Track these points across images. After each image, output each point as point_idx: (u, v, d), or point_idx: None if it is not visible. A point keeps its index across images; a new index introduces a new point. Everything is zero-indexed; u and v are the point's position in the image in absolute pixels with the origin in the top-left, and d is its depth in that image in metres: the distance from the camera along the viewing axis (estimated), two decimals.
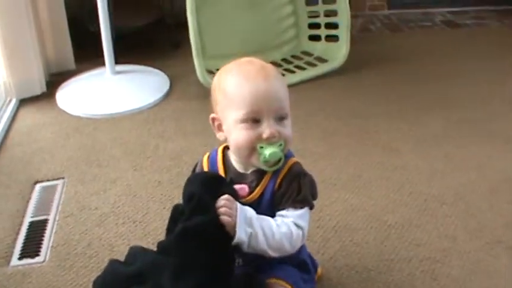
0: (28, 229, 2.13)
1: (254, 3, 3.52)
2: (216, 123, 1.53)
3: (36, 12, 3.16)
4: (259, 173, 1.50)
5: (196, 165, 1.64)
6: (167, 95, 3.15)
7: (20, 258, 1.98)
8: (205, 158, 1.61)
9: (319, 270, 1.81)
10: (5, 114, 2.92)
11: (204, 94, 2.99)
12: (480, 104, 3.05)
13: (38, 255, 1.99)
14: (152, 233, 2.07)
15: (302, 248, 1.68)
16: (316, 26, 3.63)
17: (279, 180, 1.49)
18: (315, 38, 3.65)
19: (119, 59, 3.28)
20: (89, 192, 2.32)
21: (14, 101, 3.04)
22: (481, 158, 2.55)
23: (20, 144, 2.69)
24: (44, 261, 1.97)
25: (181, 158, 2.53)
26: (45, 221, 2.17)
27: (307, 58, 3.57)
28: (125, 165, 2.50)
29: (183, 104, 3.03)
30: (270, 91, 1.43)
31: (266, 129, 1.42)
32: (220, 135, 1.53)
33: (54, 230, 2.11)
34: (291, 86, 3.09)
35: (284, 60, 3.56)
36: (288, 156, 1.52)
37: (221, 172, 1.55)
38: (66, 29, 3.36)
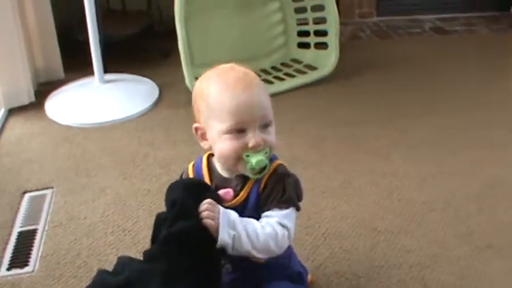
0: (17, 239, 2.12)
1: (243, 11, 3.52)
2: (199, 132, 1.52)
3: (24, 22, 3.16)
4: (244, 177, 1.50)
5: (182, 174, 1.63)
6: (156, 103, 3.14)
7: (8, 269, 1.97)
8: (190, 166, 1.61)
9: (309, 277, 1.80)
10: None
11: None
12: (469, 110, 3.05)
13: (27, 265, 1.98)
14: (142, 242, 2.05)
15: (293, 258, 1.69)
16: (305, 33, 3.64)
17: (263, 182, 1.49)
18: (304, 45, 3.65)
19: (108, 67, 3.28)
20: (78, 202, 2.31)
21: (2, 111, 3.03)
22: (470, 164, 2.55)
23: (8, 154, 2.68)
24: (33, 271, 1.95)
25: (171, 167, 2.52)
26: (34, 231, 2.16)
27: (296, 66, 3.57)
28: (114, 174, 2.49)
29: (173, 112, 3.03)
30: (253, 101, 1.43)
31: (251, 138, 1.42)
32: (204, 144, 1.53)
33: (43, 240, 2.10)
34: (280, 94, 3.16)
35: (273, 68, 3.56)
36: (272, 159, 1.51)
37: (206, 179, 1.55)
38: (55, 38, 3.35)
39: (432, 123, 2.90)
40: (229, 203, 1.47)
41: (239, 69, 1.50)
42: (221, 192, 1.47)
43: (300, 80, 3.39)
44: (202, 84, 1.50)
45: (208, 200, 1.40)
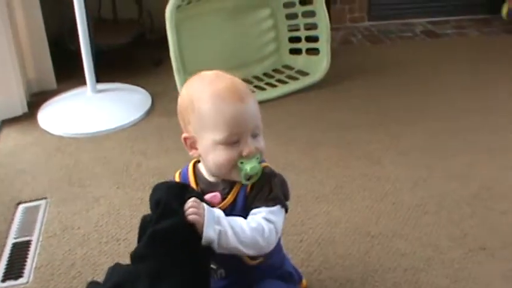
0: (11, 251, 2.11)
1: (234, 18, 3.53)
2: (189, 142, 1.53)
3: (15, 32, 3.16)
4: (231, 181, 1.51)
5: None
6: (149, 112, 3.14)
7: (3, 281, 1.97)
8: (177, 174, 1.64)
9: (304, 281, 1.81)
10: None
11: None
12: (461, 113, 3.07)
13: (21, 276, 1.98)
14: None
15: (285, 260, 1.70)
16: (296, 39, 3.65)
17: (250, 184, 1.50)
18: (295, 51, 3.66)
19: (100, 77, 3.28)
20: (71, 212, 2.31)
21: None
22: (463, 167, 2.56)
23: (1, 165, 2.68)
24: (27, 282, 1.95)
25: (164, 175, 2.51)
26: (28, 242, 2.15)
27: (288, 72, 3.58)
28: (108, 184, 2.49)
29: (165, 121, 3.03)
30: (247, 112, 1.44)
31: (245, 147, 1.44)
32: (193, 153, 1.54)
33: (37, 251, 2.10)
34: (272, 100, 3.17)
35: (265, 74, 3.57)
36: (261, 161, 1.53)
37: (192, 184, 1.56)
38: (47, 48, 3.35)
39: (424, 128, 2.91)
40: (217, 207, 1.47)
41: (225, 77, 1.50)
42: (208, 196, 1.48)
43: (292, 86, 3.39)
44: (190, 95, 1.50)
45: (193, 199, 1.40)
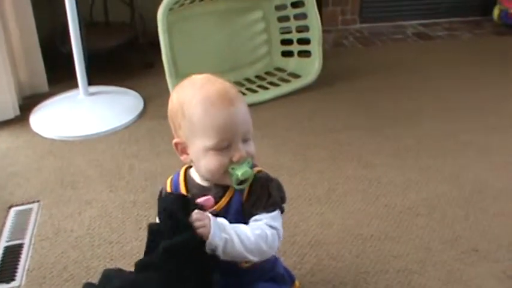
0: (3, 254, 2.10)
1: (226, 21, 3.53)
2: (179, 147, 1.53)
3: (7, 35, 3.15)
4: (223, 185, 1.51)
5: (161, 190, 1.63)
6: (141, 115, 3.14)
7: None
8: (168, 180, 1.62)
9: (297, 283, 1.80)
10: None
11: None
12: (453, 115, 3.08)
13: (13, 279, 1.97)
14: (129, 254, 2.05)
15: (277, 262, 1.70)
16: (288, 42, 3.65)
17: (247, 189, 1.50)
18: (287, 54, 3.67)
19: (92, 80, 3.28)
20: (64, 215, 2.30)
21: None
22: (455, 169, 2.57)
23: None
24: (19, 285, 1.94)
25: (156, 178, 2.52)
26: (20, 245, 2.15)
27: (280, 74, 3.58)
28: (100, 187, 2.49)
29: (157, 123, 3.03)
30: (238, 118, 1.44)
31: (236, 152, 1.44)
32: (185, 158, 1.53)
33: (29, 254, 2.09)
34: (264, 103, 3.18)
35: (257, 76, 3.57)
36: (252, 165, 1.53)
37: (183, 190, 1.56)
38: (39, 51, 3.35)
39: (416, 130, 2.92)
40: (211, 209, 1.47)
41: (216, 82, 1.49)
42: (201, 199, 1.48)
43: (284, 88, 3.40)
44: (180, 100, 1.49)
45: (197, 211, 1.40)
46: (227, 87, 1.47)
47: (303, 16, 3.48)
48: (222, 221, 1.42)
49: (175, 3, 3.02)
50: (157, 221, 1.48)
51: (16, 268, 2.02)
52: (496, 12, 4.63)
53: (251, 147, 1.48)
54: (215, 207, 1.49)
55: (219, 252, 1.39)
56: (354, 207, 2.30)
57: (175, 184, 1.60)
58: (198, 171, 1.53)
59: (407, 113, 3.12)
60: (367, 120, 3.03)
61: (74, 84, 3.21)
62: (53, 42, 3.54)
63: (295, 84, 3.44)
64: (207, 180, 1.53)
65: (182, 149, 1.52)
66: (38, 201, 2.41)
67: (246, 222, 1.49)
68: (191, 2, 3.23)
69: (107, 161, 2.69)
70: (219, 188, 1.51)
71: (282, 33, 3.68)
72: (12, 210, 2.36)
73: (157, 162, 2.66)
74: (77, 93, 3.21)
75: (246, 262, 1.53)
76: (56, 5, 3.34)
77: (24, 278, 1.97)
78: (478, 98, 3.29)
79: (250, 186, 1.50)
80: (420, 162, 2.62)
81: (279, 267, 1.70)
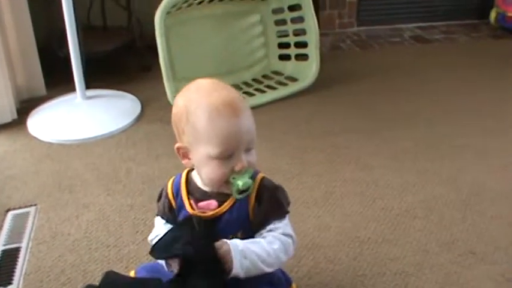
0: (0, 258, 2.10)
1: (223, 25, 3.53)
2: (181, 152, 1.52)
3: (5, 39, 3.15)
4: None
5: (161, 191, 1.64)
6: (138, 118, 3.14)
7: None
8: (169, 183, 1.62)
9: (294, 286, 1.80)
10: None
11: None
12: (450, 117, 3.08)
13: (10, 283, 1.96)
14: (126, 257, 2.05)
15: None
16: (285, 45, 3.66)
17: (253, 196, 1.51)
18: (284, 57, 3.67)
19: (89, 83, 3.28)
20: (61, 219, 2.30)
21: None
22: (452, 171, 2.57)
23: None
24: None
25: (154, 182, 2.52)
26: (17, 249, 2.14)
27: (277, 77, 3.58)
28: (97, 190, 2.49)
29: (155, 127, 3.03)
30: (242, 128, 1.43)
31: (238, 162, 1.43)
32: (186, 163, 1.53)
33: (27, 258, 2.08)
34: (262, 106, 3.17)
35: (255, 80, 3.58)
36: (255, 172, 1.54)
37: (184, 194, 1.56)
38: (36, 55, 3.34)
39: (413, 132, 2.93)
40: (212, 212, 1.49)
41: (222, 89, 1.47)
42: (203, 203, 1.49)
43: (281, 91, 3.40)
44: (185, 105, 1.47)
45: (219, 244, 1.43)
46: (233, 95, 1.46)
47: (300, 19, 3.49)
48: (241, 246, 1.44)
49: (173, 6, 3.02)
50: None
51: (13, 272, 2.02)
52: (493, 15, 4.64)
53: (253, 156, 1.49)
54: (217, 211, 1.49)
55: (241, 276, 1.43)
56: (351, 210, 2.30)
57: (176, 187, 1.59)
58: (200, 177, 1.53)
59: (404, 115, 3.12)
60: (364, 123, 3.04)
61: (71, 88, 3.21)
62: (51, 46, 3.54)
63: (293, 88, 3.44)
64: (208, 187, 1.53)
65: (184, 153, 1.51)
66: (35, 204, 2.40)
67: (249, 228, 1.51)
68: (188, 6, 3.23)
69: (104, 164, 2.69)
70: (221, 194, 1.51)
71: (279, 36, 3.68)
72: (10, 214, 2.36)
73: (154, 165, 2.66)
74: (75, 96, 3.21)
75: None
76: (53, 8, 3.34)
77: (21, 282, 1.97)
78: (475, 101, 3.30)
79: (257, 193, 1.51)
80: (418, 165, 2.63)
81: (276, 270, 1.70)
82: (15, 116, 3.13)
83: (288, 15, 3.57)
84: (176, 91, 2.95)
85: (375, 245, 2.09)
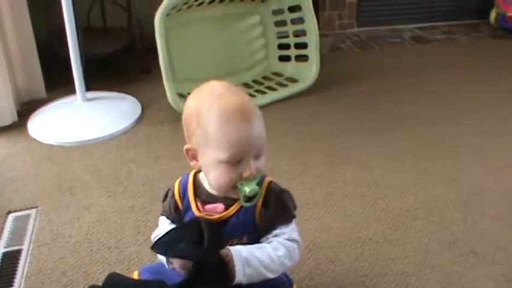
0: (1, 260, 2.10)
1: (223, 26, 3.53)
2: (190, 153, 1.52)
3: (4, 41, 3.15)
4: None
5: (168, 191, 1.63)
6: (139, 120, 3.14)
7: None
8: (176, 183, 1.61)
9: (295, 287, 1.80)
10: None
11: (176, 118, 2.99)
12: (450, 118, 3.09)
13: (11, 286, 1.96)
14: (127, 259, 2.05)
15: None
16: (285, 46, 3.66)
17: (261, 200, 1.51)
18: (284, 58, 3.67)
19: (89, 85, 3.28)
20: (62, 221, 2.30)
21: None
22: (453, 172, 2.57)
23: None
24: None
25: (154, 183, 2.52)
26: (18, 251, 2.14)
27: (277, 79, 3.58)
28: (98, 192, 2.49)
29: (155, 128, 3.03)
30: (253, 134, 1.42)
31: (246, 168, 1.43)
32: (194, 164, 1.53)
33: (28, 260, 2.08)
34: (262, 107, 3.12)
35: (255, 81, 3.58)
36: (262, 176, 1.54)
37: (191, 196, 1.55)
38: (36, 57, 3.34)
39: (413, 133, 2.93)
40: (220, 215, 1.49)
41: (234, 94, 1.46)
42: (210, 206, 1.49)
43: (282, 93, 3.40)
44: (197, 108, 1.46)
45: (225, 252, 1.44)
46: (245, 101, 1.45)
47: (300, 21, 3.49)
48: (245, 254, 1.44)
49: (172, 8, 3.02)
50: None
51: (14, 274, 2.02)
52: (493, 15, 4.64)
53: (262, 163, 1.49)
54: (223, 214, 1.49)
55: (243, 283, 1.44)
56: (352, 211, 2.30)
57: (183, 187, 1.59)
58: (207, 180, 1.53)
59: (405, 116, 3.12)
60: (364, 124, 3.04)
61: (71, 90, 3.21)
62: (51, 48, 3.54)
63: (293, 89, 3.44)
64: (215, 190, 1.53)
65: (193, 155, 1.51)
66: (36, 207, 2.40)
67: (255, 232, 1.52)
68: (188, 7, 3.23)
69: (104, 166, 2.69)
70: (228, 197, 1.51)
71: (279, 37, 3.68)
72: (11, 216, 2.36)
73: (155, 167, 2.66)
74: (75, 98, 3.21)
75: None
76: (53, 10, 3.35)
77: (22, 284, 1.97)
78: (476, 101, 3.30)
79: (264, 198, 1.51)
80: (418, 165, 2.63)
81: (280, 274, 1.70)
82: (15, 118, 3.13)
83: (288, 16, 3.57)
84: (177, 92, 2.97)
85: (376, 245, 2.09)
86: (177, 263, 1.45)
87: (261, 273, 1.45)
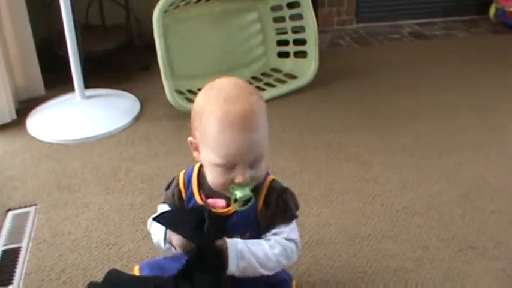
0: (1, 258, 2.10)
1: (222, 22, 3.53)
2: (193, 145, 1.51)
3: (3, 40, 3.15)
4: None
5: (172, 180, 1.63)
6: (138, 117, 3.14)
7: None
8: (181, 174, 1.61)
9: (294, 283, 1.80)
10: None
11: (175, 115, 3.01)
12: (449, 113, 3.09)
13: (11, 283, 1.97)
14: (126, 256, 2.05)
15: None
16: (284, 42, 3.65)
17: (262, 198, 1.51)
18: (283, 54, 3.67)
19: (88, 83, 3.28)
20: (61, 218, 2.30)
21: None
22: (451, 167, 2.57)
23: None
24: None
25: (153, 180, 2.52)
26: (18, 249, 2.14)
27: (276, 75, 3.58)
28: (97, 189, 2.49)
29: (154, 125, 3.03)
30: (251, 143, 1.40)
31: (239, 175, 1.41)
32: (197, 156, 1.52)
33: (27, 257, 2.09)
34: None
35: (254, 77, 3.57)
36: (263, 176, 1.53)
37: (195, 189, 1.55)
38: (35, 54, 3.34)
39: (412, 129, 2.93)
40: (222, 211, 1.49)
41: (241, 99, 1.41)
42: (212, 200, 1.49)
43: (280, 89, 3.40)
44: (203, 105, 1.44)
45: (221, 242, 1.43)
46: (249, 109, 1.40)
47: (299, 17, 3.48)
48: (240, 246, 1.44)
49: (170, 5, 3.02)
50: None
51: (14, 271, 2.02)
52: (492, 10, 4.64)
53: (260, 170, 1.47)
54: (225, 210, 1.49)
55: (237, 275, 1.44)
56: (351, 207, 2.31)
57: (188, 177, 1.59)
58: (206, 175, 1.53)
59: (403, 112, 3.12)
60: (363, 120, 3.04)
61: (70, 88, 3.21)
62: (49, 46, 3.53)
63: (292, 85, 3.44)
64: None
65: (196, 147, 1.51)
66: (35, 204, 2.40)
67: (257, 229, 1.52)
68: (186, 4, 3.23)
69: (103, 164, 2.69)
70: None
71: (278, 34, 3.68)
72: (10, 214, 2.36)
73: (153, 164, 2.66)
74: (73, 96, 3.21)
75: None
76: (51, 8, 3.34)
77: (21, 282, 1.97)
78: (474, 97, 3.30)
79: (265, 196, 1.51)
80: (417, 161, 2.63)
81: (281, 273, 1.70)
82: (14, 116, 3.13)
83: (286, 12, 3.57)
84: (175, 89, 2.97)
85: (375, 241, 2.09)
86: (177, 241, 1.45)
87: (254, 267, 1.44)
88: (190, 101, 2.97)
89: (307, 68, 3.47)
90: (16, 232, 2.25)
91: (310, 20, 3.42)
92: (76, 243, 2.15)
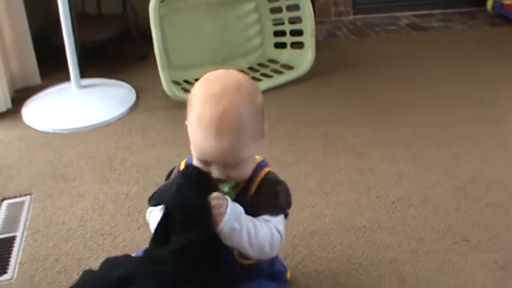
0: None
1: (218, 13, 3.52)
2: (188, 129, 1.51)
3: None
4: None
5: (172, 169, 1.63)
6: (134, 107, 3.13)
7: None
8: (182, 163, 1.60)
9: (289, 273, 1.80)
10: None
11: (171, 105, 3.00)
12: (447, 105, 3.08)
13: (5, 272, 1.96)
14: (121, 246, 2.05)
15: (276, 258, 1.69)
16: (281, 33, 3.65)
17: (254, 187, 1.50)
18: (280, 45, 3.67)
19: (84, 72, 3.27)
20: (56, 207, 2.30)
21: None
22: (448, 159, 2.57)
23: None
24: (11, 278, 1.94)
25: (149, 170, 2.52)
26: (12, 238, 2.14)
27: (273, 66, 3.58)
28: (92, 179, 2.48)
29: (150, 115, 3.02)
30: (226, 151, 1.38)
31: (215, 171, 1.42)
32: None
33: (21, 247, 2.08)
34: None
35: (250, 68, 3.57)
36: (262, 165, 1.54)
37: None
38: (30, 43, 3.34)
39: (409, 120, 2.92)
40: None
41: (225, 99, 1.37)
42: None
43: (277, 80, 3.39)
44: (194, 94, 1.44)
45: (216, 195, 1.40)
46: (230, 111, 1.37)
47: (296, 7, 3.48)
48: (239, 209, 1.42)
49: None
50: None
51: (8, 261, 2.02)
52: (489, 3, 4.63)
53: (239, 171, 1.45)
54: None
55: (224, 237, 1.39)
56: (347, 198, 2.30)
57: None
58: None
59: (401, 103, 3.12)
60: (360, 111, 3.03)
61: (66, 77, 3.21)
62: (45, 35, 3.52)
63: (288, 76, 3.43)
64: None
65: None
66: (30, 193, 2.40)
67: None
68: None
69: (99, 153, 2.69)
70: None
71: (275, 24, 3.67)
72: (5, 203, 2.35)
73: (149, 154, 2.66)
74: (69, 85, 3.21)
75: (246, 259, 1.53)
76: None
77: (16, 271, 1.97)
78: (472, 89, 3.29)
79: (258, 185, 1.50)
80: (413, 153, 2.62)
81: (277, 264, 1.70)
82: (9, 105, 3.13)
83: (283, 3, 3.56)
84: (172, 79, 2.96)
85: (370, 232, 2.09)
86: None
87: (242, 239, 1.40)
88: (187, 91, 2.97)
89: (304, 59, 3.47)
90: (11, 221, 2.24)
91: (307, 11, 3.41)
92: (71, 232, 2.15)
